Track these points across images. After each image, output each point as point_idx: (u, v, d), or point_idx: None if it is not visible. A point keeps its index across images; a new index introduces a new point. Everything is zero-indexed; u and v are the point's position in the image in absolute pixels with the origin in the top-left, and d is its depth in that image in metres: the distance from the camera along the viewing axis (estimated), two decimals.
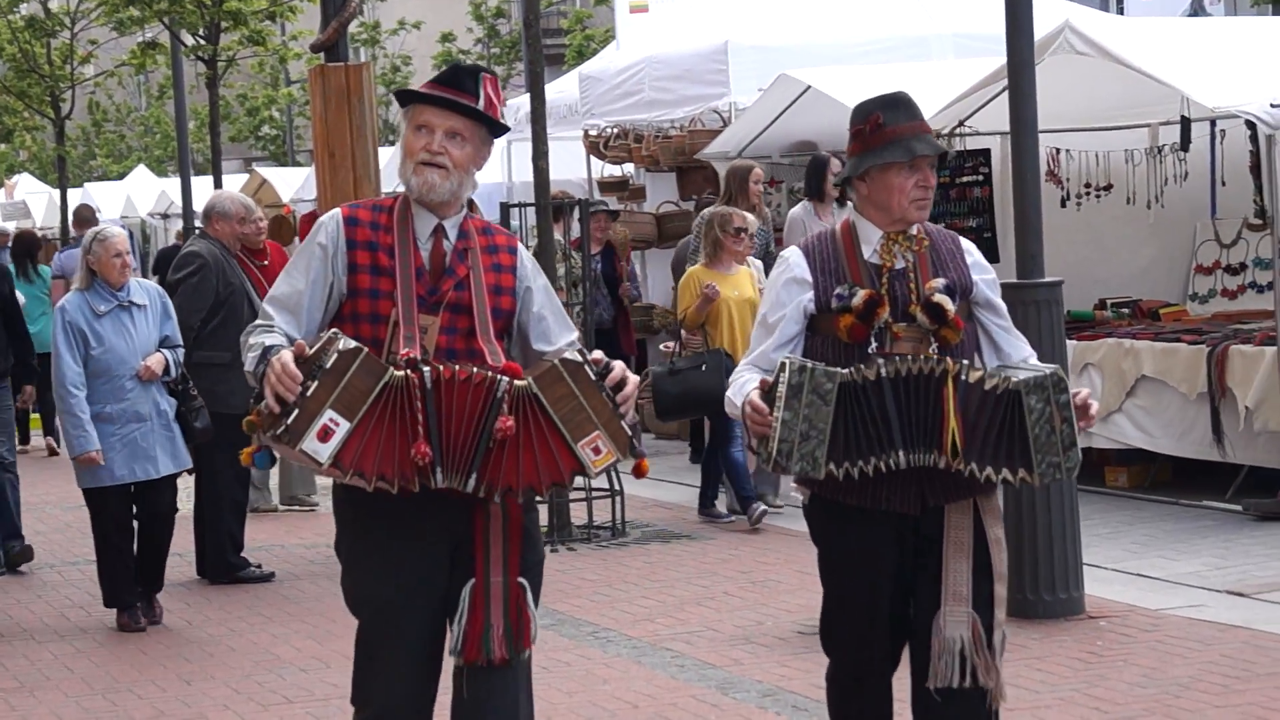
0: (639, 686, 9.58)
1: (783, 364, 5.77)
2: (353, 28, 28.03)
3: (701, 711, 9.10)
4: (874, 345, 6.04)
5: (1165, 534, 12.88)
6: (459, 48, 43.65)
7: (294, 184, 27.46)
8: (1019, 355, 6.30)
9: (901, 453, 5.87)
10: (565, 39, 40.09)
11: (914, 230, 6.24)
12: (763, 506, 13.88)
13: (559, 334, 6.13)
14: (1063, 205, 15.85)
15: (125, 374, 11.08)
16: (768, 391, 5.83)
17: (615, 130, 18.56)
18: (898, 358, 5.91)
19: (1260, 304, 14.73)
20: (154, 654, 10.95)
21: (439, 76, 5.98)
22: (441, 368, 5.54)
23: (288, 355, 5.43)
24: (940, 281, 6.12)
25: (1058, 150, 16.03)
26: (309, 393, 5.34)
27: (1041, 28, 13.03)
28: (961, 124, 16.06)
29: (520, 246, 6.26)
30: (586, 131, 18.59)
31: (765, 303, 6.40)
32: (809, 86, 17.01)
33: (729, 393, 6.17)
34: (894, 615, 6.30)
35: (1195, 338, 14.06)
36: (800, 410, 5.68)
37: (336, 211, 6.02)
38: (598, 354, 5.76)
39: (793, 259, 6.30)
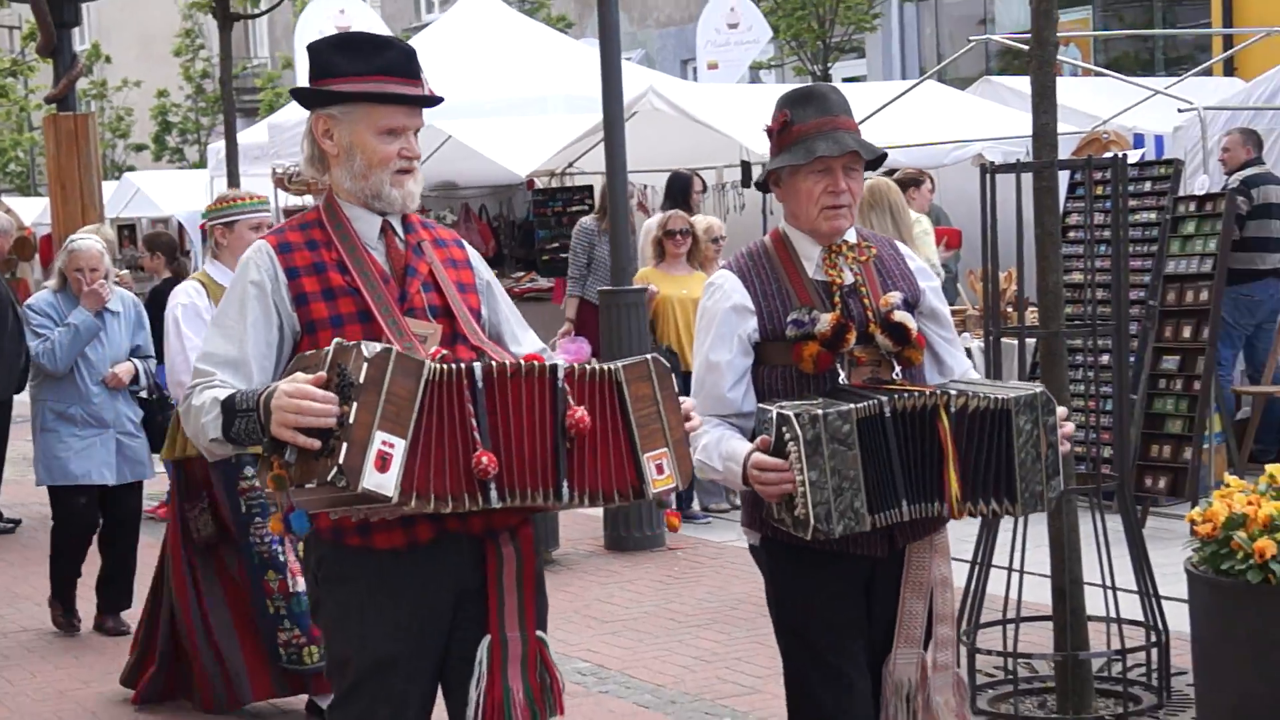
0: None
1: (784, 417, 4.15)
2: (82, 84, 27.98)
3: None
4: (842, 375, 4.44)
5: None
6: (172, 101, 43.36)
7: (35, 211, 26.96)
8: (960, 368, 4.81)
9: (905, 504, 4.26)
10: (259, 95, 40.01)
11: (854, 238, 4.61)
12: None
13: (523, 332, 4.40)
14: None
15: (92, 379, 8.96)
16: (771, 451, 4.22)
17: (296, 169, 18.90)
18: (900, 394, 4.31)
19: None
20: None
21: (388, 66, 4.07)
22: (494, 362, 3.79)
23: (294, 385, 3.62)
24: (896, 296, 4.55)
25: (645, 186, 16.39)
26: (349, 419, 3.52)
27: (631, 91, 13.51)
28: (571, 165, 16.58)
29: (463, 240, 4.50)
30: (274, 169, 18.82)
31: (704, 338, 4.61)
32: (449, 135, 17.29)
33: (699, 456, 4.39)
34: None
35: None
36: (825, 465, 4.07)
37: (262, 243, 4.13)
38: None
39: (727, 284, 4.56)
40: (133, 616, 8.59)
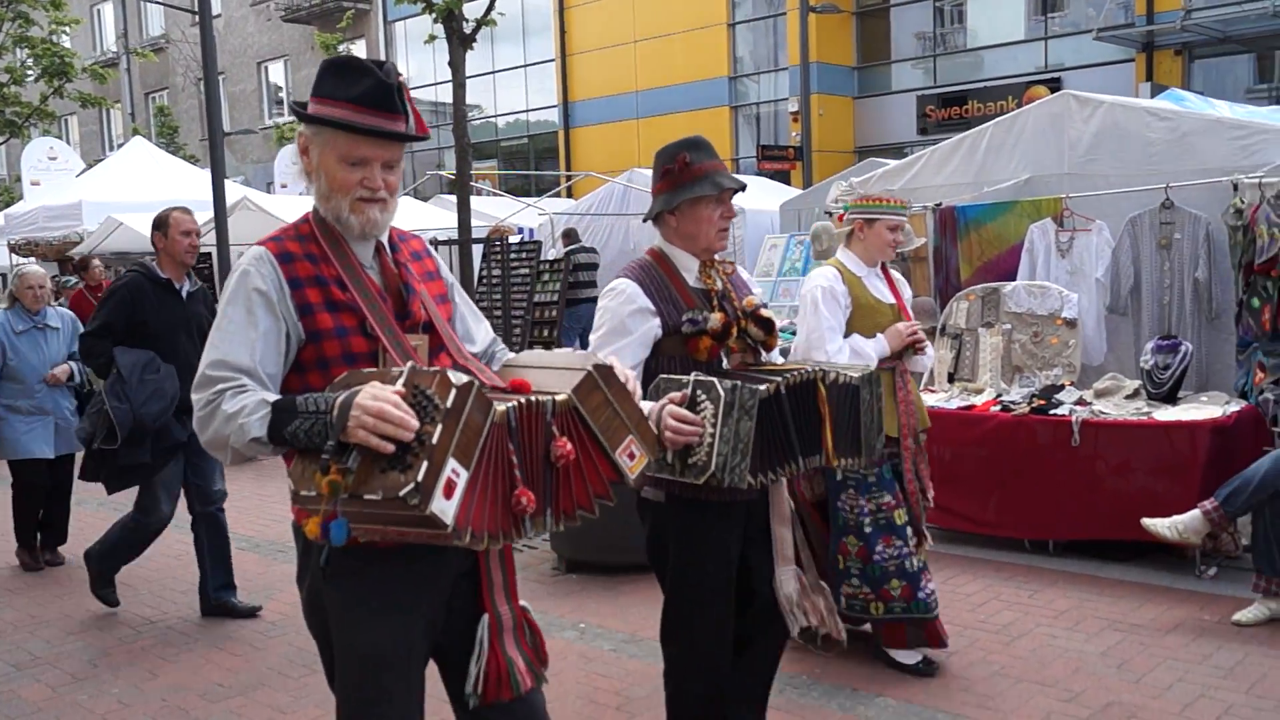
0: None
1: (704, 383, 2.92)
2: None
3: None
4: (725, 361, 3.23)
5: None
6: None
7: None
8: (776, 358, 3.46)
9: (801, 459, 3.00)
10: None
11: (719, 256, 3.36)
12: None
13: (476, 327, 2.70)
14: None
15: (34, 379, 6.88)
16: (686, 406, 2.94)
17: (23, 239, 17.16)
18: (788, 373, 3.03)
19: None
20: None
21: (361, 95, 2.34)
22: (521, 400, 2.20)
23: (381, 392, 2.05)
24: (757, 298, 3.37)
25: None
26: (433, 439, 1.99)
27: (232, 198, 13.00)
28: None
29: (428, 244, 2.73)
30: (7, 241, 17.02)
31: (605, 327, 3.23)
32: (122, 223, 15.61)
33: None
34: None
35: None
36: (733, 426, 2.87)
37: (262, 250, 2.40)
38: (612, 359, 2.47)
39: (630, 291, 3.22)
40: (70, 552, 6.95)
